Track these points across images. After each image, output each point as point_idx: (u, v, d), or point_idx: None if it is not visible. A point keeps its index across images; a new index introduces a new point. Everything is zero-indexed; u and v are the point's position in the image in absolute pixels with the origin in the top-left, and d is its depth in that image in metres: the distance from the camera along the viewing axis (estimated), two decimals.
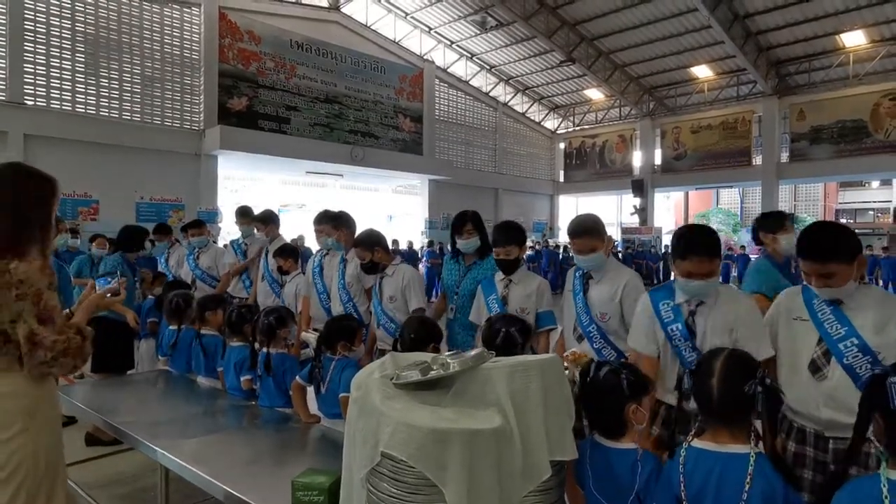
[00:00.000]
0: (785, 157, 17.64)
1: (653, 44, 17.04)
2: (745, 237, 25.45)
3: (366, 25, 16.60)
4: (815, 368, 1.87)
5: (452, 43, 18.49)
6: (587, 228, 2.53)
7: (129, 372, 4.14)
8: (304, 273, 4.33)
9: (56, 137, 11.38)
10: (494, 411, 1.38)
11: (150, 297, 4.17)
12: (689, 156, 19.57)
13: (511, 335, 2.13)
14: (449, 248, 3.51)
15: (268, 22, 14.57)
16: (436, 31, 17.92)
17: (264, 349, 2.73)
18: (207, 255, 5.16)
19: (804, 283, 1.97)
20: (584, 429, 1.75)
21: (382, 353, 3.36)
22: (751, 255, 17.81)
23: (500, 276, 2.96)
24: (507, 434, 1.32)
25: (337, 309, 3.62)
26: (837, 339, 1.84)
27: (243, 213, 5.17)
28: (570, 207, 23.09)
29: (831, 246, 1.82)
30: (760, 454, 1.37)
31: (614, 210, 22.44)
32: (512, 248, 2.88)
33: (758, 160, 18.09)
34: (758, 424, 1.49)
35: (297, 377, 2.51)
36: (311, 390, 2.59)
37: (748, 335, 2.00)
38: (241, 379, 2.92)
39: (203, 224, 5.40)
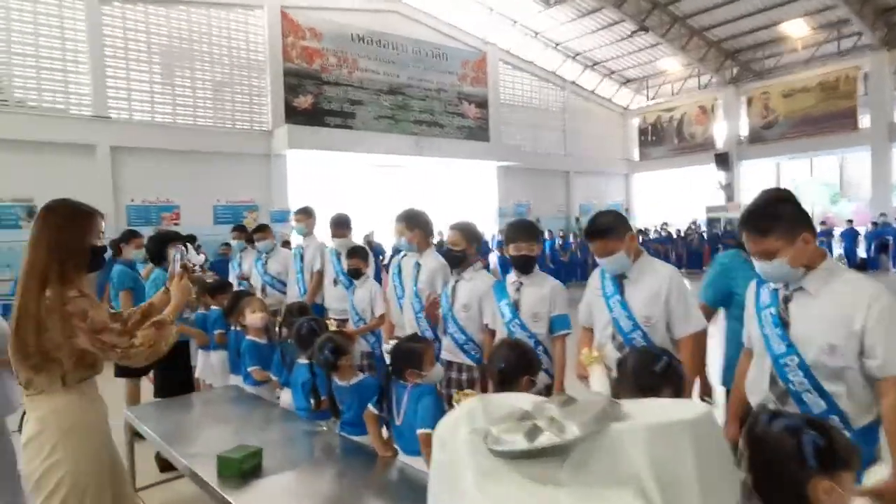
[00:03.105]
0: None
1: (735, 2, 15.54)
2: (846, 208, 23.15)
3: (425, 12, 16.25)
4: None
5: (515, 22, 17.76)
6: (602, 230, 2.26)
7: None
8: (371, 277, 4.07)
9: (139, 147, 11.89)
10: (631, 493, 1.00)
11: (212, 308, 4.05)
12: (780, 123, 17.84)
13: (504, 372, 1.92)
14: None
15: (328, 17, 14.56)
16: (497, 12, 17.28)
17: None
18: (276, 261, 5.04)
19: None
20: None
21: (449, 364, 3.03)
22: (857, 229, 15.96)
23: (511, 278, 2.81)
24: None
25: (409, 317, 3.31)
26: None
27: (302, 212, 4.97)
28: (647, 186, 21.84)
29: None
30: None
31: (696, 186, 20.91)
32: (533, 245, 2.75)
33: (865, 122, 16.17)
34: None
35: (369, 405, 2.21)
36: None
37: (882, 342, 1.57)
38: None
39: (267, 228, 5.25)
